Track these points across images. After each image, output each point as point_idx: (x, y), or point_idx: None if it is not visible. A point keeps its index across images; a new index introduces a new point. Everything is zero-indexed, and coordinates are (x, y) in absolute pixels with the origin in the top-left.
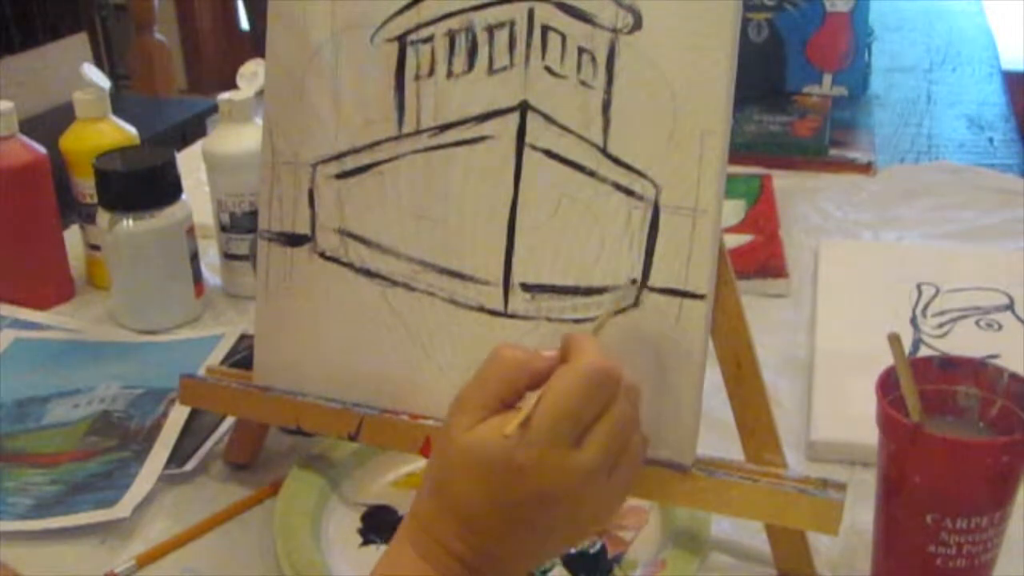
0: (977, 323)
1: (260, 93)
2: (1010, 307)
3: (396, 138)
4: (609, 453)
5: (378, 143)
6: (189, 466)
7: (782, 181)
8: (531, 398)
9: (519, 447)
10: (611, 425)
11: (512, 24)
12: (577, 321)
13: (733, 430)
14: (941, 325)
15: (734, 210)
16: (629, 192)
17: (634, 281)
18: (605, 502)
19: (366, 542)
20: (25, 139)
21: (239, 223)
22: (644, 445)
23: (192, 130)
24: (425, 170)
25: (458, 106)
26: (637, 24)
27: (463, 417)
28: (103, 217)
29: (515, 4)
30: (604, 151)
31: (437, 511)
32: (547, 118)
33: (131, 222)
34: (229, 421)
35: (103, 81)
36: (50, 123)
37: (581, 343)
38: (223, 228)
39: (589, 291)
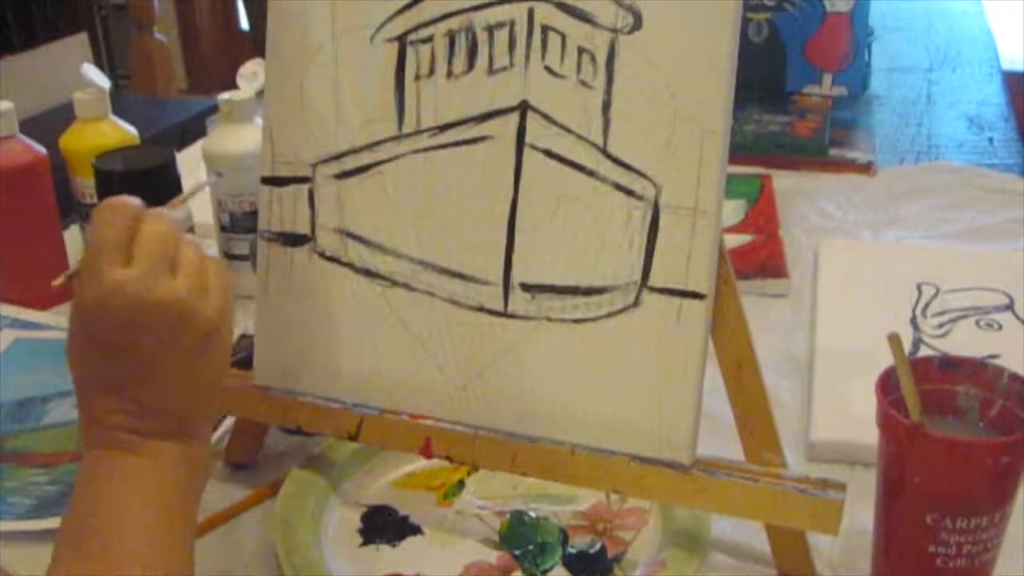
0: (977, 323)
1: (260, 93)
2: (1010, 307)
3: (396, 138)
4: (160, 259)
5: (378, 143)
6: None
7: (782, 181)
8: None
9: (81, 290)
10: (144, 239)
11: (512, 24)
12: (577, 321)
13: (733, 430)
14: (941, 325)
15: (734, 210)
16: (629, 192)
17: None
18: (203, 313)
19: (366, 542)
20: (25, 139)
21: (239, 223)
22: (217, 265)
23: (192, 130)
24: (425, 170)
25: (458, 106)
26: (637, 24)
27: None
28: None
29: (515, 4)
30: (604, 151)
31: (85, 401)
32: (547, 118)
33: None
34: (229, 421)
35: (103, 81)
36: (50, 123)
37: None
38: (223, 228)
39: (589, 291)
